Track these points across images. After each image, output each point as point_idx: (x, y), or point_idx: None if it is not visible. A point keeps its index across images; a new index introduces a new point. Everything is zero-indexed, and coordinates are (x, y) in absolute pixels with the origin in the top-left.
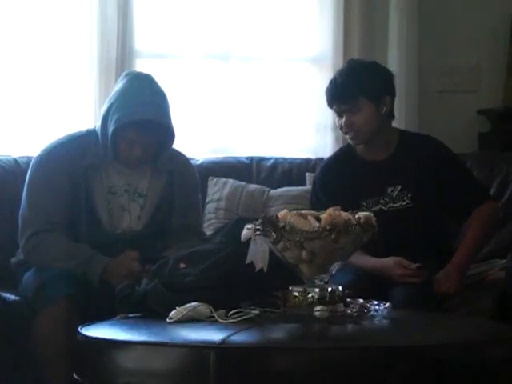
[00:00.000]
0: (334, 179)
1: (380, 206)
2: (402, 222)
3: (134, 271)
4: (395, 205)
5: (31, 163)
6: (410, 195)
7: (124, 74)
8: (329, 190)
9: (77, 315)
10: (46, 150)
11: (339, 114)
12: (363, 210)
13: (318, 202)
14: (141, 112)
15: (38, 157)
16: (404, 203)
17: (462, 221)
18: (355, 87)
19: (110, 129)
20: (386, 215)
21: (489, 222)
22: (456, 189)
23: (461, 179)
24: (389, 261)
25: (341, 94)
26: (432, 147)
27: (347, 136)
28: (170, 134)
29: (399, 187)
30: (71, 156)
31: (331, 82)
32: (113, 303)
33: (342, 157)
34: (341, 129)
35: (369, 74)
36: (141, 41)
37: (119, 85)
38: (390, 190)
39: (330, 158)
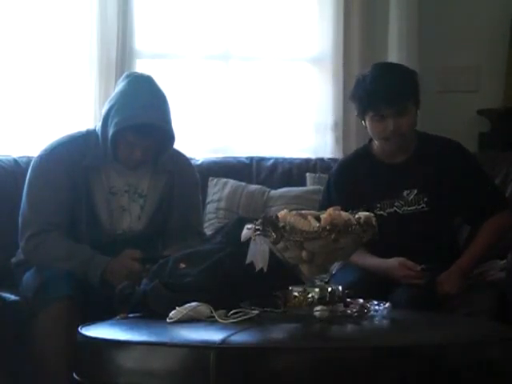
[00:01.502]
0: (349, 178)
1: (395, 208)
2: (415, 225)
3: (134, 271)
4: (410, 208)
5: (31, 163)
6: (425, 199)
7: (125, 75)
8: (343, 189)
9: (77, 315)
10: (46, 150)
11: (382, 117)
12: (378, 211)
13: (328, 198)
14: (140, 115)
15: (38, 157)
16: (419, 207)
17: (475, 226)
18: (407, 90)
19: (110, 131)
20: (400, 218)
21: (501, 231)
22: (473, 195)
23: (479, 185)
24: (393, 261)
25: (393, 95)
26: (451, 150)
27: (387, 142)
28: (169, 137)
29: (415, 191)
30: (71, 156)
31: (375, 83)
32: (113, 303)
33: (360, 157)
34: (379, 134)
35: (412, 77)
36: (141, 41)
37: (119, 86)
38: (405, 193)
39: (347, 157)
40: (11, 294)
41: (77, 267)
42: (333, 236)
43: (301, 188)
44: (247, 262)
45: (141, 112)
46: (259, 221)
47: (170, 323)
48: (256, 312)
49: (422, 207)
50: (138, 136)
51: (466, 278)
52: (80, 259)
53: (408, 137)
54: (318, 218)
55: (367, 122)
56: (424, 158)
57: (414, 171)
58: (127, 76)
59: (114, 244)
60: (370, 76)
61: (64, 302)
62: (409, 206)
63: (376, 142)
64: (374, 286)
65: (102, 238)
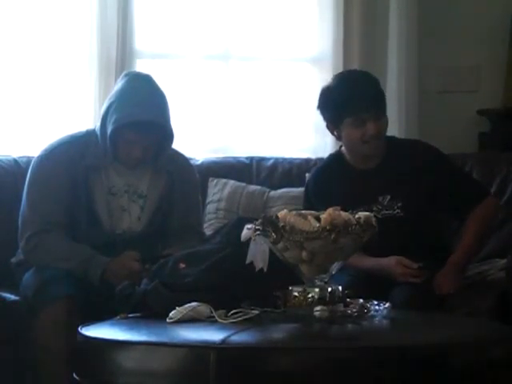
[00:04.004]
0: (326, 186)
1: (373, 212)
2: (397, 228)
3: (134, 271)
4: (388, 212)
5: (31, 163)
6: (399, 204)
7: (123, 74)
8: (322, 197)
9: (77, 315)
10: (46, 150)
11: (362, 121)
12: None
13: (309, 206)
14: (139, 112)
15: (38, 157)
16: (395, 212)
17: (462, 219)
18: (382, 93)
19: (109, 129)
20: (381, 222)
21: (487, 219)
22: (453, 189)
23: (456, 179)
24: (390, 260)
25: (372, 98)
26: (420, 152)
27: (365, 145)
28: (168, 135)
29: (388, 196)
30: (71, 156)
31: (352, 89)
32: (113, 303)
33: (333, 164)
34: (360, 138)
35: (379, 83)
36: (141, 41)
37: (118, 85)
38: (380, 198)
39: (320, 166)
40: (11, 293)
41: (77, 267)
42: (333, 236)
43: (301, 188)
44: (247, 262)
45: (139, 109)
46: (259, 221)
47: (170, 323)
48: (256, 312)
49: (397, 212)
50: (137, 133)
51: (463, 273)
52: (80, 259)
53: (383, 140)
54: (317, 218)
55: (344, 130)
56: (395, 163)
57: (386, 177)
58: (126, 75)
59: (113, 244)
60: (343, 83)
61: (64, 302)
62: (386, 210)
63: (345, 150)
64: (374, 286)
65: (101, 238)
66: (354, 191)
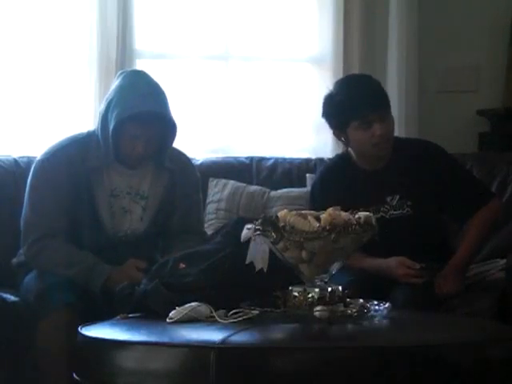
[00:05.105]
0: (333, 188)
1: (381, 213)
2: (404, 228)
3: (136, 280)
4: (396, 212)
5: (33, 166)
6: (409, 203)
7: (119, 73)
8: (329, 199)
9: (77, 324)
10: (47, 153)
11: (369, 124)
12: None
13: (314, 207)
14: (140, 104)
15: (39, 160)
16: (404, 211)
17: (465, 221)
18: (385, 95)
19: (111, 125)
20: (388, 222)
21: (490, 222)
22: (457, 191)
23: (460, 180)
24: (392, 261)
25: (377, 100)
26: (427, 151)
27: (375, 148)
28: (171, 126)
29: (398, 196)
30: (73, 159)
31: (356, 92)
32: (113, 311)
33: (340, 165)
34: (368, 141)
35: (381, 85)
36: (141, 41)
37: (116, 83)
38: (389, 199)
39: (327, 167)
40: (12, 294)
41: (78, 275)
42: (333, 236)
43: (301, 189)
44: (247, 262)
45: (140, 101)
46: (259, 221)
47: (170, 323)
48: (256, 312)
49: (407, 211)
50: (140, 126)
51: (464, 274)
52: (82, 267)
53: (392, 141)
54: (317, 218)
55: (352, 134)
56: (403, 163)
57: (395, 177)
58: (121, 73)
59: (116, 246)
60: (345, 87)
61: (65, 311)
62: (394, 210)
63: (354, 153)
64: (374, 286)
65: (104, 240)
66: (362, 192)
